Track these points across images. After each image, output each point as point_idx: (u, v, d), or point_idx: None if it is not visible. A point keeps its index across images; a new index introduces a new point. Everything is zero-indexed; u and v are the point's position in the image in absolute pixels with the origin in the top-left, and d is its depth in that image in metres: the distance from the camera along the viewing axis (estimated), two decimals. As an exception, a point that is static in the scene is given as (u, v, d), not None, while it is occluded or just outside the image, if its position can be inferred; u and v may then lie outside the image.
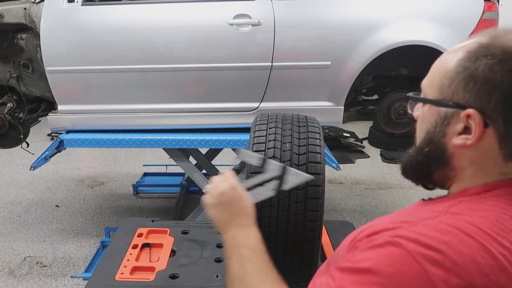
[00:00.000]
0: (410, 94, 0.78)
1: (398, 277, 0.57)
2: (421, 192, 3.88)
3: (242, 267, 0.77)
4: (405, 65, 2.69)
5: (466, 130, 0.67)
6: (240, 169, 2.96)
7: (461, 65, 0.67)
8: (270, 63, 2.41)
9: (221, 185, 0.88)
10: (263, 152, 1.32)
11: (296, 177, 0.98)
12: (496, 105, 0.64)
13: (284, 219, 1.26)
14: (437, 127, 0.70)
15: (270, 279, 0.75)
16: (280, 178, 0.97)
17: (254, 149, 1.30)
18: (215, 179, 0.91)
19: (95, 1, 2.49)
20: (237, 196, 0.88)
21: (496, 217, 0.63)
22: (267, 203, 1.27)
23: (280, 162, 1.30)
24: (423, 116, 0.74)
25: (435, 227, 0.61)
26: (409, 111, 0.81)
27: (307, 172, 1.22)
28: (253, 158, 1.02)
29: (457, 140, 0.68)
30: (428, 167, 0.75)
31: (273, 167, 0.98)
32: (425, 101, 0.73)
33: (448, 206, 0.67)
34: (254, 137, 1.35)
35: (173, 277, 1.47)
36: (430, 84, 0.72)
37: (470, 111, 0.65)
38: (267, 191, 0.97)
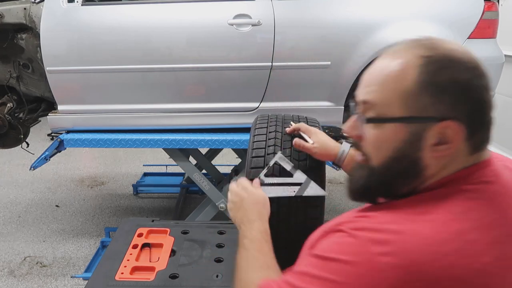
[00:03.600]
0: (364, 116, 0.72)
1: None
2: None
3: (240, 254, 0.92)
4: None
5: (440, 140, 0.67)
6: (240, 169, 2.96)
7: (423, 81, 0.66)
8: (270, 63, 2.41)
9: (237, 191, 1.06)
10: (263, 151, 1.32)
11: (312, 190, 1.16)
12: (468, 110, 0.67)
13: (285, 220, 1.26)
14: (410, 143, 0.68)
15: (260, 265, 0.87)
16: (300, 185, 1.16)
17: (254, 155, 1.29)
18: (232, 186, 1.09)
19: (95, 1, 2.49)
20: (250, 198, 1.04)
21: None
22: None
23: None
24: (383, 135, 0.70)
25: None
26: (348, 131, 0.77)
27: (306, 173, 1.22)
28: (288, 164, 1.21)
29: (436, 152, 0.68)
30: (395, 184, 0.73)
31: (299, 176, 1.18)
32: (399, 120, 0.69)
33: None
34: (254, 142, 1.34)
35: (173, 277, 1.47)
36: (387, 104, 0.69)
37: (448, 122, 0.66)
38: (284, 191, 1.15)
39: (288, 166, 1.20)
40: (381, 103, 0.70)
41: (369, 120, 0.71)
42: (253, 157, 1.29)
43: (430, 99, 0.66)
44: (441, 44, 0.70)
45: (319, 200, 1.25)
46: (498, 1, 2.52)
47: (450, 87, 0.66)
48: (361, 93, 0.73)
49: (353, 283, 0.62)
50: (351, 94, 2.58)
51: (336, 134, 5.16)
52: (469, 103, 0.66)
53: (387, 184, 0.73)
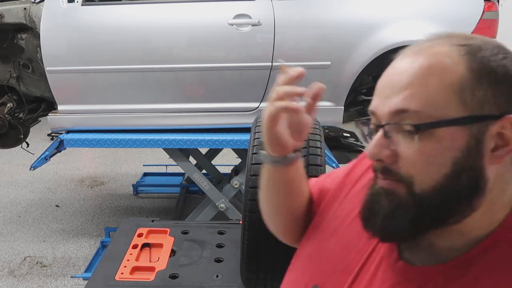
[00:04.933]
0: (405, 127, 0.55)
1: None
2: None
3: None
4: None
5: (497, 143, 0.55)
6: (240, 169, 2.96)
7: (477, 69, 0.54)
8: (270, 63, 2.41)
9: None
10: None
11: None
12: None
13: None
14: (471, 150, 0.53)
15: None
16: None
17: (254, 151, 1.30)
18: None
19: (95, 1, 2.49)
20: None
21: None
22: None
23: None
24: (437, 146, 0.54)
25: None
26: (375, 153, 0.58)
27: (307, 174, 1.22)
28: None
29: (495, 158, 0.54)
30: (451, 211, 0.56)
31: None
32: (459, 122, 0.53)
33: None
34: (255, 138, 1.35)
35: (173, 277, 1.47)
36: (438, 104, 0.53)
37: (507, 118, 0.53)
38: None
39: None
40: (429, 105, 0.54)
41: (419, 128, 0.53)
42: (254, 153, 1.29)
43: (488, 92, 0.53)
44: (467, 34, 0.60)
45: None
46: (498, 1, 2.52)
47: (504, 74, 0.54)
48: (390, 102, 0.56)
49: None
50: (351, 94, 2.58)
51: (336, 134, 5.17)
52: None
53: (440, 214, 0.56)
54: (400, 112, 0.55)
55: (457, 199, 0.55)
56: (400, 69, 0.57)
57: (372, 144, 0.58)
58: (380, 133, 0.57)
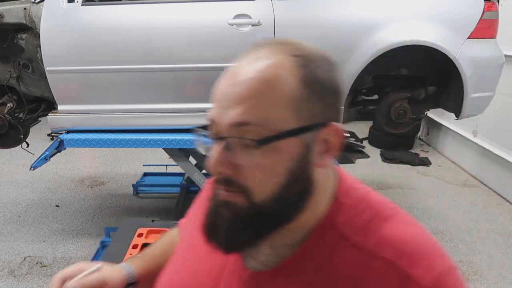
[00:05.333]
0: (248, 140, 0.56)
1: None
2: (421, 192, 3.86)
3: None
4: (405, 65, 2.69)
5: (323, 148, 0.60)
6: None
7: (308, 82, 0.57)
8: (270, 63, 2.41)
9: None
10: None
11: None
12: (339, 108, 0.62)
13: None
14: (303, 158, 0.57)
15: None
16: None
17: None
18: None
19: (95, 1, 2.49)
20: None
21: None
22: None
23: None
24: (276, 157, 0.56)
25: None
26: (217, 167, 0.58)
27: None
28: None
29: (321, 161, 0.59)
30: (287, 216, 0.60)
31: None
32: (296, 133, 0.56)
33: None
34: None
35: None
36: (276, 118, 0.55)
37: (334, 126, 0.59)
38: None
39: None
40: (268, 119, 0.55)
41: (262, 142, 0.55)
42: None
43: (318, 102, 0.58)
44: (298, 42, 0.62)
45: None
46: (498, 1, 2.52)
47: (328, 86, 0.59)
48: (230, 114, 0.56)
49: None
50: (351, 94, 2.58)
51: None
52: (340, 101, 0.61)
53: (278, 220, 0.59)
54: (240, 125, 0.56)
55: (292, 204, 0.59)
56: (239, 78, 0.57)
57: (213, 157, 0.58)
58: (221, 145, 0.58)
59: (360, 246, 0.59)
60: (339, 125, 0.59)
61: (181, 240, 0.82)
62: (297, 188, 0.58)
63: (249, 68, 0.58)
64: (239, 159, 0.57)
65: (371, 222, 0.61)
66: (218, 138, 0.58)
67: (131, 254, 1.58)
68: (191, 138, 2.50)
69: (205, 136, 0.62)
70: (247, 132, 0.56)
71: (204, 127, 0.63)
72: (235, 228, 0.59)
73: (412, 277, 0.55)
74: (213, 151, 0.59)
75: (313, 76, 0.57)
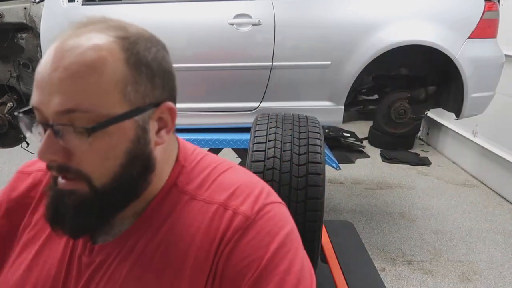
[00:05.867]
0: (77, 128, 0.54)
1: None
2: (421, 192, 3.85)
3: None
4: (405, 65, 2.69)
5: (160, 126, 0.62)
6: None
7: (136, 65, 0.57)
8: (270, 63, 2.41)
9: None
10: (263, 151, 1.32)
11: None
12: (171, 87, 0.64)
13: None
14: (139, 139, 0.58)
15: None
16: None
17: (255, 149, 1.30)
18: None
19: (95, 1, 2.49)
20: None
21: None
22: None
23: (280, 162, 1.30)
24: (109, 141, 0.56)
25: None
26: (48, 156, 0.57)
27: (307, 172, 1.22)
28: None
29: (159, 139, 0.62)
30: (131, 194, 0.61)
31: None
32: (126, 116, 0.56)
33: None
34: (255, 136, 1.35)
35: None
36: (104, 103, 0.55)
37: (167, 104, 0.61)
38: None
39: None
40: (96, 104, 0.54)
41: (93, 130, 0.54)
42: (254, 151, 1.30)
43: (148, 85, 0.58)
44: (123, 22, 0.61)
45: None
46: (498, 1, 2.52)
47: (157, 67, 0.60)
48: (56, 101, 0.54)
49: None
50: (351, 94, 2.58)
51: (336, 134, 5.17)
52: (171, 80, 0.64)
53: (123, 199, 0.61)
54: (66, 113, 0.54)
55: (135, 183, 0.60)
56: (61, 63, 0.54)
57: (42, 145, 0.56)
58: (49, 132, 0.55)
59: (199, 198, 0.65)
60: (171, 104, 0.62)
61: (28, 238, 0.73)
62: (138, 167, 0.60)
63: (71, 51, 0.55)
64: (70, 146, 0.56)
65: (208, 176, 0.67)
66: (45, 125, 0.56)
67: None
68: (191, 138, 2.50)
69: (31, 122, 0.58)
70: (75, 119, 0.54)
71: (28, 111, 0.60)
72: (80, 214, 0.58)
73: (239, 212, 0.62)
74: (42, 137, 0.57)
75: (138, 58, 0.57)
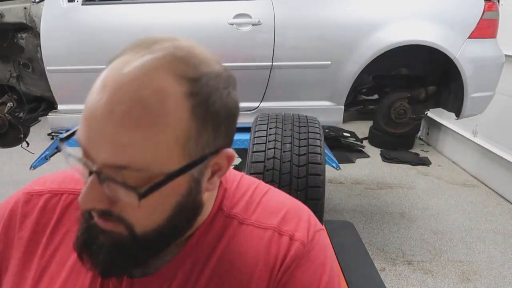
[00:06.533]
0: (129, 186, 0.48)
1: None
2: (421, 192, 3.86)
3: None
4: (405, 65, 2.69)
5: (214, 171, 0.56)
6: (240, 169, 2.97)
7: (200, 116, 0.49)
8: (270, 63, 2.41)
9: None
10: (263, 152, 1.32)
11: None
12: (232, 131, 0.56)
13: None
14: (192, 191, 0.53)
15: None
16: None
17: (254, 150, 1.30)
18: None
19: (95, 1, 2.48)
20: None
21: None
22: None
23: (280, 162, 1.30)
24: (159, 198, 0.50)
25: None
26: (93, 204, 0.50)
27: (307, 173, 1.22)
28: None
29: (211, 185, 0.56)
30: (174, 237, 0.57)
31: None
32: (181, 172, 0.49)
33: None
34: (255, 137, 1.35)
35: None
36: (161, 160, 0.48)
37: (226, 152, 0.54)
38: None
39: None
40: (152, 163, 0.47)
41: (144, 195, 0.48)
42: (254, 152, 1.29)
43: (211, 135, 0.51)
44: (194, 53, 0.53)
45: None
46: (498, 1, 2.52)
47: (225, 114, 0.52)
48: (107, 152, 0.47)
49: None
50: (351, 94, 2.58)
51: (336, 134, 5.17)
52: (235, 123, 0.56)
53: (162, 245, 0.57)
54: (119, 168, 0.47)
55: (179, 230, 0.57)
56: (118, 105, 0.46)
57: (85, 192, 0.49)
58: (93, 178, 0.49)
59: (247, 222, 0.61)
60: (231, 151, 0.55)
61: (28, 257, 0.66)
62: (185, 216, 0.55)
63: (130, 89, 0.47)
64: (116, 197, 0.50)
65: (251, 198, 0.64)
66: (91, 171, 0.49)
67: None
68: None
69: (74, 158, 0.51)
70: (126, 177, 0.48)
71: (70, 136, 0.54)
72: (115, 256, 0.54)
73: (296, 238, 0.60)
74: (85, 179, 0.50)
75: (206, 106, 0.49)
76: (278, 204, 0.65)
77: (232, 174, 0.69)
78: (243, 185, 0.67)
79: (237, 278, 0.58)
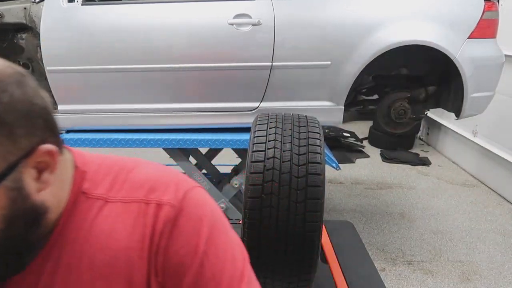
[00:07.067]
0: None
1: None
2: (421, 192, 3.86)
3: None
4: (405, 65, 2.69)
5: (40, 169, 0.55)
6: (240, 169, 2.97)
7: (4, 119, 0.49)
8: (270, 63, 2.41)
9: None
10: (263, 152, 1.32)
11: None
12: (42, 124, 0.56)
13: (284, 219, 1.26)
14: (17, 199, 0.52)
15: None
16: None
17: (254, 149, 1.30)
18: None
19: (95, 1, 2.48)
20: None
21: None
22: (267, 203, 1.26)
23: (280, 162, 1.30)
24: None
25: None
26: None
27: (307, 172, 1.22)
28: None
29: (43, 184, 0.55)
30: (26, 244, 0.57)
31: None
32: None
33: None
34: (254, 137, 1.35)
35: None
36: None
37: (41, 149, 0.53)
38: None
39: None
40: None
41: None
42: (254, 151, 1.30)
43: (6, 141, 0.50)
44: None
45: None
46: (498, 1, 2.52)
47: (14, 116, 0.50)
48: None
49: None
50: (351, 94, 2.58)
51: (336, 134, 5.17)
52: (40, 116, 0.55)
53: (18, 255, 0.57)
54: None
55: (24, 237, 0.55)
56: None
57: None
58: None
59: (113, 200, 0.62)
60: (46, 146, 0.54)
61: None
62: (23, 224, 0.54)
63: None
64: None
65: (116, 177, 0.64)
66: None
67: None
68: (191, 138, 2.50)
69: None
70: None
71: None
72: None
73: (164, 202, 0.61)
74: None
75: (7, 112, 0.49)
76: (147, 176, 0.65)
77: (94, 157, 0.68)
78: (106, 165, 0.66)
79: (110, 255, 0.59)
